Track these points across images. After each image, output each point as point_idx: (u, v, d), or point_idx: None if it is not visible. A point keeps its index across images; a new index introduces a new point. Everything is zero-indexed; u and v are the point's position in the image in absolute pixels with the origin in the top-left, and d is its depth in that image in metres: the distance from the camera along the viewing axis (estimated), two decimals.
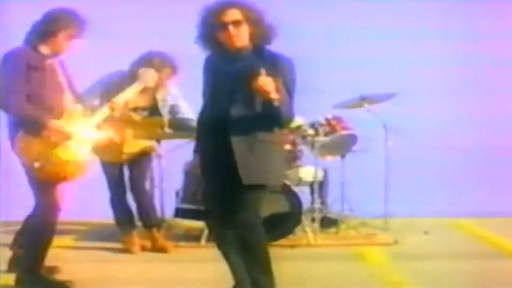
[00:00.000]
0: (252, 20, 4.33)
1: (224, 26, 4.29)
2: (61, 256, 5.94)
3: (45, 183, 4.92)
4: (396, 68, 7.45)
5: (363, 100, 6.69)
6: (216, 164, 4.38)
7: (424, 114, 7.57)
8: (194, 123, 6.21)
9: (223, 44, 4.35)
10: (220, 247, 4.50)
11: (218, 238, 4.52)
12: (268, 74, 4.15)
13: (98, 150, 6.05)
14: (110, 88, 5.97)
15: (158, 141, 6.36)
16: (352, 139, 6.83)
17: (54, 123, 4.84)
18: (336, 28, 7.29)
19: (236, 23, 4.30)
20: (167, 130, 6.26)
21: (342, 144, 6.79)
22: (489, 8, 7.69)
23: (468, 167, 7.58)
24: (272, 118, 4.27)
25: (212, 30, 4.33)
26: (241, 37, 4.32)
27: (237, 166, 4.25)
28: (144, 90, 5.92)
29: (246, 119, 4.28)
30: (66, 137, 4.85)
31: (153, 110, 6.24)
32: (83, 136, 4.96)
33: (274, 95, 4.11)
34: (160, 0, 7.65)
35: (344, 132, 6.72)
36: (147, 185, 6.38)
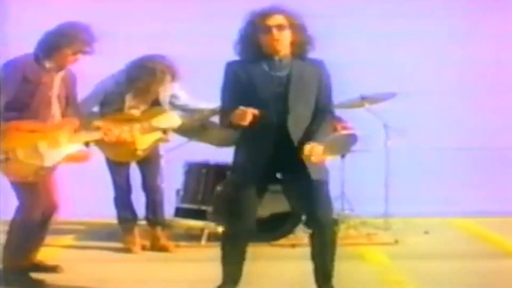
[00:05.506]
0: (295, 27, 4.44)
1: (268, 29, 4.38)
2: (61, 256, 5.96)
3: (21, 184, 4.99)
4: (396, 68, 7.44)
5: (363, 100, 6.68)
6: (266, 166, 4.42)
7: (424, 114, 7.56)
8: (193, 107, 6.23)
9: (264, 48, 4.43)
10: (226, 247, 4.55)
11: (232, 239, 4.54)
12: (313, 80, 4.43)
13: (113, 153, 6.07)
14: (109, 94, 5.98)
15: (164, 131, 6.30)
16: (352, 139, 6.80)
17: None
18: (336, 28, 7.28)
19: (280, 27, 4.40)
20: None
21: (342, 144, 6.77)
22: (489, 8, 7.69)
23: (468, 167, 7.58)
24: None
25: (255, 33, 4.42)
26: (283, 42, 4.42)
27: (303, 165, 4.38)
28: (144, 93, 5.95)
29: (303, 121, 4.45)
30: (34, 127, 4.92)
31: (154, 103, 6.19)
32: (62, 146, 5.02)
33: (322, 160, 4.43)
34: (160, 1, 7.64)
35: (344, 132, 6.70)
36: (159, 181, 6.38)
